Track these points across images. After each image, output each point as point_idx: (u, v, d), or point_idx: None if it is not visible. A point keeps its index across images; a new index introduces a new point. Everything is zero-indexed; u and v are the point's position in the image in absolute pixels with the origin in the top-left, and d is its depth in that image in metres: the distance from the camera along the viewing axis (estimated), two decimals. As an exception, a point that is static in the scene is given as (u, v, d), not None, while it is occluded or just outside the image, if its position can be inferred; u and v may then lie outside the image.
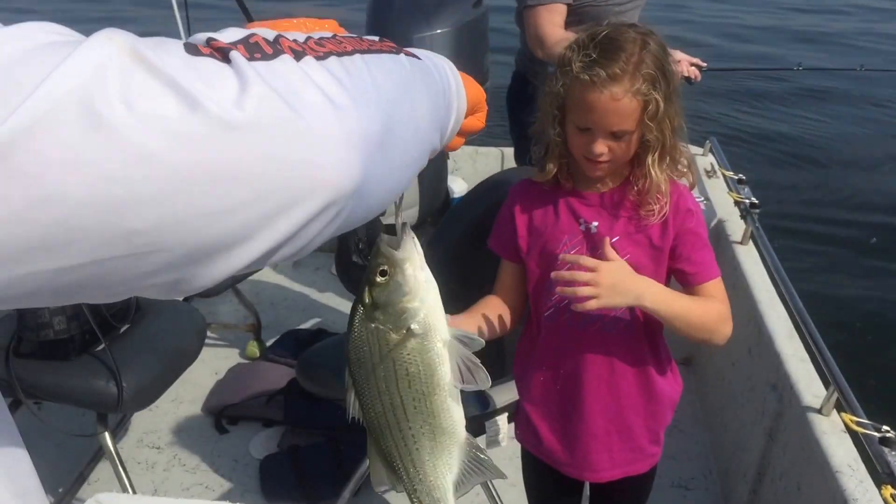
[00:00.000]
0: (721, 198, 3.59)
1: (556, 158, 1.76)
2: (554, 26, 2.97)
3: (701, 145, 4.11)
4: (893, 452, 1.99)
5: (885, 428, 2.06)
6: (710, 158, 4.00)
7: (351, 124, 0.58)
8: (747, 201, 3.37)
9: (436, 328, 0.95)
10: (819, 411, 2.29)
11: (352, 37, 0.71)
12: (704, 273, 1.75)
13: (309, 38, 0.64)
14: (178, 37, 0.73)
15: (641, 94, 1.60)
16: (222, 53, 0.55)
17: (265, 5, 4.61)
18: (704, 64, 3.21)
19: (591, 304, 1.60)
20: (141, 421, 3.21)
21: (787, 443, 2.44)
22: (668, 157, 1.68)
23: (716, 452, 3.12)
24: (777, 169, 7.34)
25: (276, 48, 0.58)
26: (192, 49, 0.54)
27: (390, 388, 0.98)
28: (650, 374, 1.82)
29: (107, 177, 0.47)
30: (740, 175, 3.64)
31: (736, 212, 3.46)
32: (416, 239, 0.95)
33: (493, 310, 1.86)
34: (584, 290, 1.59)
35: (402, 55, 0.74)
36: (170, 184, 0.49)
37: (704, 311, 1.73)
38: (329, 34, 0.68)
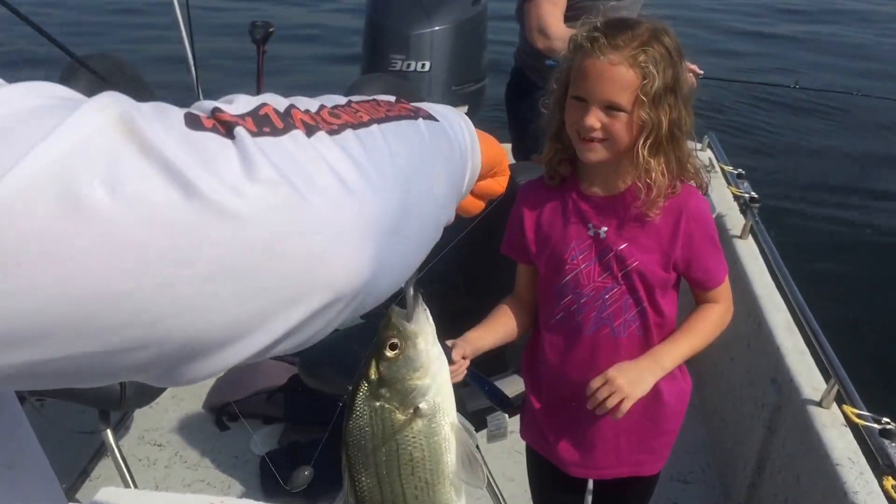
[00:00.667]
0: (720, 192, 3.59)
1: (552, 141, 1.76)
2: (555, 18, 2.98)
3: (699, 140, 4.11)
4: (894, 444, 1.99)
5: (886, 420, 2.07)
6: (709, 153, 4.00)
7: (365, 212, 0.52)
8: (746, 195, 3.37)
9: (445, 409, 0.88)
10: (819, 404, 2.30)
11: (367, 100, 0.65)
12: (713, 279, 1.78)
13: (322, 106, 0.58)
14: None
15: (640, 66, 1.58)
16: (226, 128, 0.49)
17: (266, 5, 4.63)
18: (701, 72, 3.21)
19: (626, 405, 1.66)
20: (142, 418, 3.22)
21: (786, 436, 2.45)
22: (664, 149, 1.65)
23: (715, 446, 3.12)
24: (776, 162, 7.35)
25: (286, 121, 0.52)
26: (193, 122, 0.48)
27: (391, 475, 0.89)
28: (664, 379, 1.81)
29: (83, 267, 0.42)
30: (739, 170, 3.64)
31: (735, 206, 3.47)
32: (427, 311, 0.89)
33: (508, 316, 1.90)
34: (613, 401, 1.66)
35: (419, 120, 0.68)
36: (156, 278, 0.44)
37: (707, 331, 1.79)
38: (343, 100, 0.62)
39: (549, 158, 1.78)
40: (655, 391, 1.80)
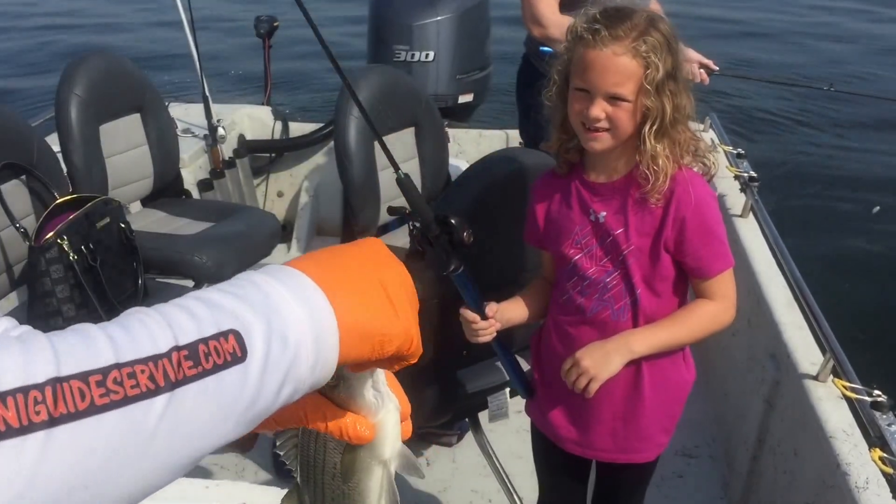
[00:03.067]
0: (721, 172, 3.62)
1: (558, 132, 1.80)
2: (550, 6, 3.01)
3: (701, 121, 4.14)
4: (884, 416, 2.03)
5: (877, 392, 2.10)
6: (711, 134, 4.04)
7: None
8: (746, 175, 3.41)
9: (378, 449, 0.78)
10: (815, 378, 2.33)
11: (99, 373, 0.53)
12: (706, 268, 1.76)
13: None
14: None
15: (642, 56, 1.61)
16: None
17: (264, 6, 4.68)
18: (716, 68, 3.22)
19: (593, 386, 1.73)
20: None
21: (785, 410, 2.49)
22: (668, 135, 1.67)
23: (719, 421, 3.18)
24: (776, 140, 7.36)
25: None
26: None
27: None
28: (660, 363, 1.84)
29: None
30: (739, 150, 3.68)
31: (736, 185, 3.50)
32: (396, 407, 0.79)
33: (537, 295, 1.96)
34: (581, 383, 1.73)
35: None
36: None
37: (693, 325, 1.79)
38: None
39: (556, 148, 1.83)
40: (657, 376, 1.83)
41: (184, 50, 4.42)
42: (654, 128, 1.65)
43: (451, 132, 4.23)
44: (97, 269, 2.65)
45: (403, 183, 1.77)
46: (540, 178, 1.93)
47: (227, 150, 4.51)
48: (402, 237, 3.21)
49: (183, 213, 3.59)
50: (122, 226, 2.87)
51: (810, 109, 8.29)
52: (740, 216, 3.30)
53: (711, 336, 1.73)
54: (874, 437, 2.01)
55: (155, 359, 0.55)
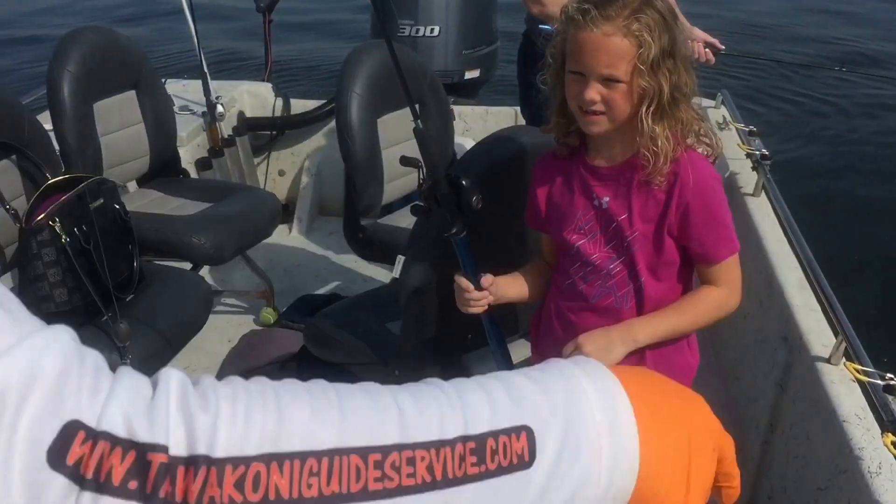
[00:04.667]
0: (733, 150, 3.55)
1: (556, 116, 1.77)
2: None
3: (713, 98, 4.06)
4: (897, 400, 1.97)
5: (890, 375, 2.05)
6: (723, 111, 3.96)
7: None
8: (758, 153, 3.33)
9: None
10: (828, 361, 2.28)
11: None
12: (711, 253, 1.73)
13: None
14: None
15: (634, 35, 1.57)
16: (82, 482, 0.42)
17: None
18: (722, 47, 3.15)
19: None
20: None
21: (796, 393, 2.43)
22: (668, 115, 1.64)
23: (730, 404, 3.12)
24: (790, 119, 7.28)
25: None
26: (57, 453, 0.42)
27: None
28: (664, 349, 1.81)
29: None
30: (751, 127, 3.60)
31: (748, 163, 3.43)
32: None
33: (534, 275, 1.93)
34: None
35: None
36: None
37: (698, 313, 1.75)
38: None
39: (556, 132, 1.80)
40: (660, 361, 1.79)
41: (181, 24, 4.34)
42: (652, 108, 1.62)
43: (456, 109, 4.15)
44: (91, 252, 2.58)
45: (420, 133, 1.79)
46: (540, 160, 1.90)
47: (226, 128, 4.43)
48: (406, 218, 3.14)
49: (180, 194, 3.53)
50: (117, 207, 2.81)
51: (820, 90, 8.20)
52: (752, 195, 3.23)
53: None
54: (887, 422, 1.95)
55: (438, 445, 0.50)
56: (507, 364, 2.03)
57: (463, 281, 1.82)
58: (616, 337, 1.70)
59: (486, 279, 1.82)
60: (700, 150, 1.73)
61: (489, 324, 1.97)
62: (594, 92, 1.61)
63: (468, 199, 1.77)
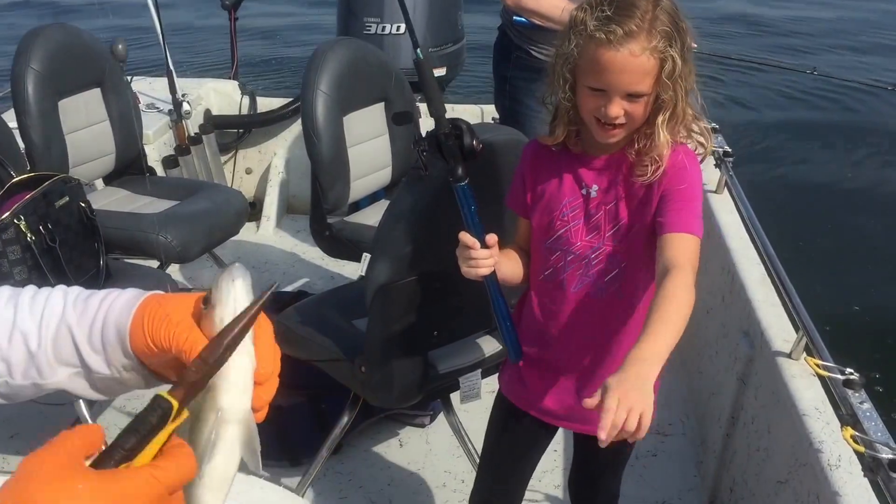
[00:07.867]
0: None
1: (565, 125, 1.74)
2: None
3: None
4: (856, 394, 2.01)
5: (849, 370, 2.09)
6: (686, 108, 4.00)
7: None
8: (720, 150, 3.37)
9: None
10: (789, 356, 2.32)
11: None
12: (673, 222, 1.65)
13: None
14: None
15: (658, 52, 1.56)
16: None
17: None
18: (695, 45, 3.18)
19: (646, 420, 1.39)
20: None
21: (758, 387, 2.48)
22: (677, 120, 1.63)
23: (693, 399, 3.16)
24: (752, 117, 7.37)
25: None
26: None
27: None
28: (627, 342, 1.77)
29: None
30: (713, 124, 3.64)
31: (710, 160, 3.46)
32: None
33: (515, 256, 1.87)
34: (632, 421, 1.38)
35: None
36: None
37: (682, 315, 1.55)
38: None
39: (564, 140, 1.76)
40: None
41: (147, 22, 4.31)
42: (667, 116, 1.61)
43: (422, 107, 4.15)
44: (56, 250, 2.57)
45: (421, 64, 1.78)
46: (529, 144, 1.88)
47: (192, 126, 4.41)
48: (372, 215, 3.15)
49: (147, 192, 3.51)
50: (83, 205, 2.79)
51: (790, 92, 8.31)
52: (714, 192, 3.28)
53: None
54: (846, 416, 2.00)
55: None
56: (513, 338, 1.91)
57: (467, 237, 1.67)
58: (640, 373, 1.45)
59: (491, 237, 1.70)
60: (690, 146, 1.72)
61: (495, 291, 1.84)
62: (618, 108, 1.60)
63: (469, 140, 1.71)
